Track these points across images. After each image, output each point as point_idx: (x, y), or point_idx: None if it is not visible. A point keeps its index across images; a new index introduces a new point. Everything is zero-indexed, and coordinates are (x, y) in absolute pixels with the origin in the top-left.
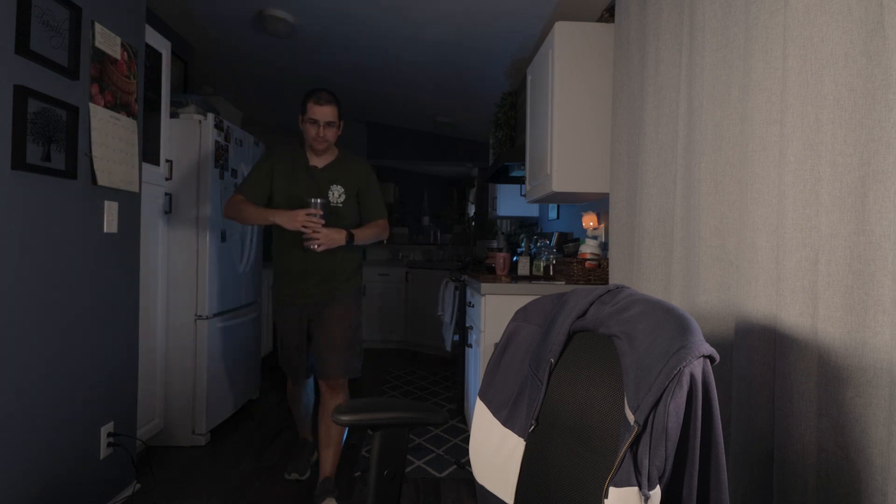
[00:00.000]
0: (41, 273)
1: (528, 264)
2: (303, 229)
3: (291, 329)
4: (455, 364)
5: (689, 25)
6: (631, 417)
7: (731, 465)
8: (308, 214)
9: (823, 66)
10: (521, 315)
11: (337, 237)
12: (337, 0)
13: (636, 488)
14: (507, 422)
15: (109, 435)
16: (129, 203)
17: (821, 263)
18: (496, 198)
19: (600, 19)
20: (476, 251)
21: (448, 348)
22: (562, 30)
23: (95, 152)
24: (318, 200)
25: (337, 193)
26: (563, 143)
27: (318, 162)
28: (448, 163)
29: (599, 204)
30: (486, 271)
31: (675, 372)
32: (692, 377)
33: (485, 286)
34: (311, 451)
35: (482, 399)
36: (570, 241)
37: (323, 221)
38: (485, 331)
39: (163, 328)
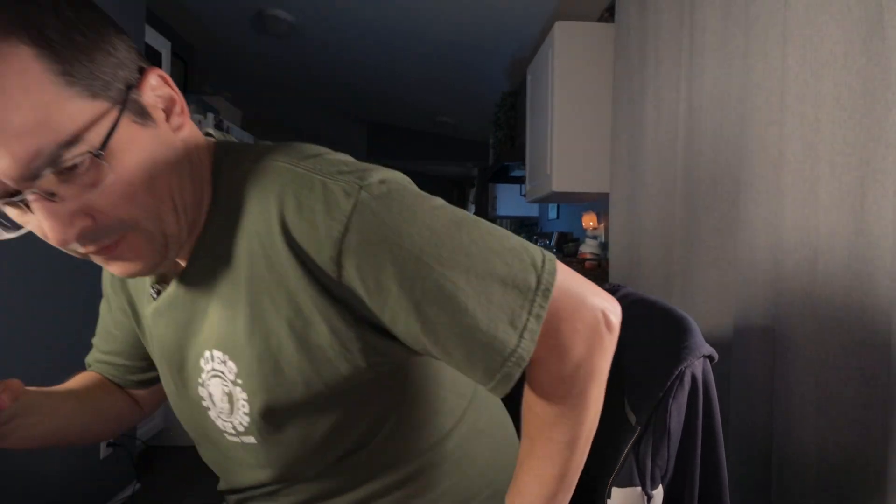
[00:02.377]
0: (42, 271)
1: None
2: None
3: None
4: None
5: (690, 25)
6: (632, 418)
7: (730, 464)
8: None
9: (823, 66)
10: None
11: None
12: (337, 0)
13: (639, 488)
14: None
15: None
16: None
17: (819, 263)
18: (496, 198)
19: (600, 19)
20: None
21: None
22: (562, 29)
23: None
24: None
25: (220, 396)
26: (563, 143)
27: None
28: (448, 163)
29: (599, 204)
30: None
31: (677, 373)
32: (693, 377)
33: None
34: None
35: None
36: (570, 241)
37: None
38: None
39: None
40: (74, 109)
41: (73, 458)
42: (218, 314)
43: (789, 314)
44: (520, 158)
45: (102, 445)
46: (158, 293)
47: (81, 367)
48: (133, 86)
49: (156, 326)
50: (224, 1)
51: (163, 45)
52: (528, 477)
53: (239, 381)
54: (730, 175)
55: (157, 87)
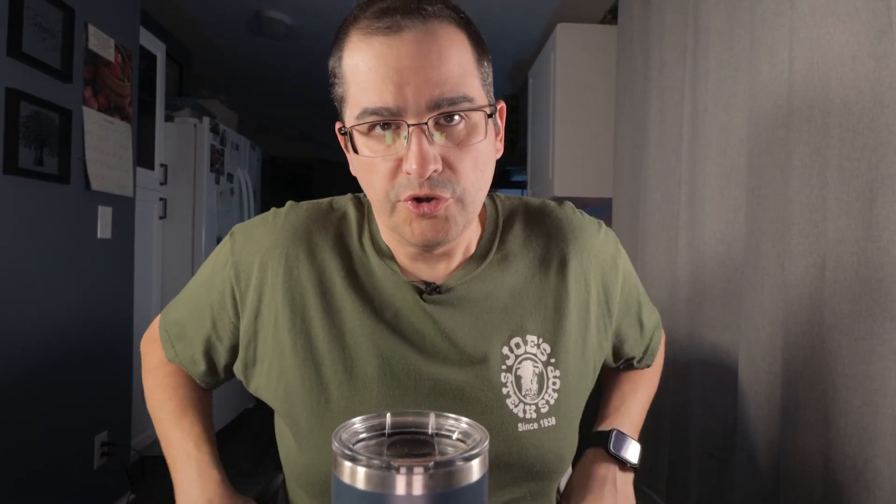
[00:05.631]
0: (34, 279)
1: None
2: None
3: None
4: None
5: (694, 27)
6: None
7: (737, 476)
8: None
9: (830, 69)
10: None
11: None
12: (334, 1)
13: None
14: None
15: (103, 444)
16: (124, 208)
17: (827, 270)
18: None
19: (603, 21)
20: None
21: None
22: (564, 32)
23: (89, 156)
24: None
25: (531, 378)
26: (566, 147)
27: (428, 268)
28: None
29: (602, 209)
30: None
31: None
32: None
33: None
34: None
35: None
36: None
37: None
38: None
39: None
40: (476, 83)
41: (67, 468)
42: (516, 301)
43: (796, 321)
44: (521, 163)
45: (96, 455)
46: (425, 288)
47: None
48: (494, 104)
49: (432, 327)
50: (220, 3)
51: (158, 48)
52: (632, 404)
53: (552, 361)
54: (735, 179)
55: (502, 117)
